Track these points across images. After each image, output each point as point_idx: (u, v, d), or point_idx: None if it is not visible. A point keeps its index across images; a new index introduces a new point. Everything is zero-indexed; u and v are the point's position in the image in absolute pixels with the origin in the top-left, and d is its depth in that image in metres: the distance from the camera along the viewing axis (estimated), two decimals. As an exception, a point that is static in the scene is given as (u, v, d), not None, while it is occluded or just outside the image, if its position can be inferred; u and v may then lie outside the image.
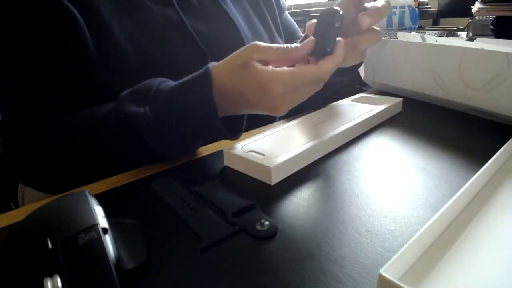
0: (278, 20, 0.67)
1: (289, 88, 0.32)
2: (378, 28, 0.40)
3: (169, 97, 0.36)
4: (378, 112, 0.48)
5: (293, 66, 0.34)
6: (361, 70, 0.66)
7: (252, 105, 0.34)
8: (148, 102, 0.36)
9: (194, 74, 0.36)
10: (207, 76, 0.34)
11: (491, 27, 0.96)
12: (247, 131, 0.49)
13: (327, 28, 0.33)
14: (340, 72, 0.46)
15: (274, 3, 0.67)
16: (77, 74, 0.45)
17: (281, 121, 0.53)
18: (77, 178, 0.42)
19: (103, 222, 0.23)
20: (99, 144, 0.39)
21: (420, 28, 1.47)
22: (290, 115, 0.53)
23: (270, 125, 0.52)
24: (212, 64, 0.35)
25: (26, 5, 0.43)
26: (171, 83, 0.37)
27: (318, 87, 0.35)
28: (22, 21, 0.43)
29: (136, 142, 0.37)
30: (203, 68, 0.35)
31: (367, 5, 0.40)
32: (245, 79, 0.33)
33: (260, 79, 0.32)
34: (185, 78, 0.36)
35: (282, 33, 0.67)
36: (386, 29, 1.39)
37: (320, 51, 0.34)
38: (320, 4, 1.87)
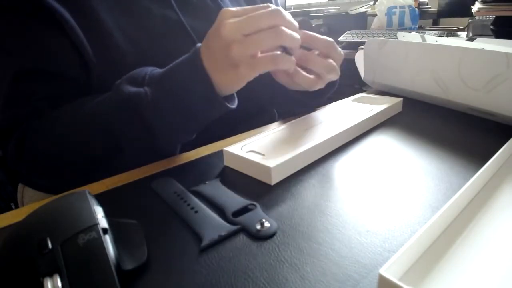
0: None
1: (239, 14, 0.36)
2: (319, 72, 0.42)
3: (163, 76, 0.38)
4: (378, 112, 0.48)
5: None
6: (361, 70, 0.66)
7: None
8: (146, 84, 0.38)
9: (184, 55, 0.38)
10: (195, 51, 0.37)
11: (491, 27, 0.96)
12: (247, 131, 0.49)
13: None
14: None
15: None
16: (72, 76, 0.45)
17: (281, 121, 0.53)
18: (77, 171, 0.41)
19: (103, 222, 0.23)
20: (99, 130, 0.39)
21: (420, 28, 1.47)
22: (290, 115, 0.53)
23: (270, 125, 0.52)
24: (200, 44, 0.38)
25: (13, 11, 0.43)
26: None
27: (271, 34, 0.35)
28: (10, 27, 0.43)
29: (137, 122, 0.37)
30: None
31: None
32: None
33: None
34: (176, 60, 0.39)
35: None
36: (386, 29, 1.39)
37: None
38: (320, 4, 1.87)
